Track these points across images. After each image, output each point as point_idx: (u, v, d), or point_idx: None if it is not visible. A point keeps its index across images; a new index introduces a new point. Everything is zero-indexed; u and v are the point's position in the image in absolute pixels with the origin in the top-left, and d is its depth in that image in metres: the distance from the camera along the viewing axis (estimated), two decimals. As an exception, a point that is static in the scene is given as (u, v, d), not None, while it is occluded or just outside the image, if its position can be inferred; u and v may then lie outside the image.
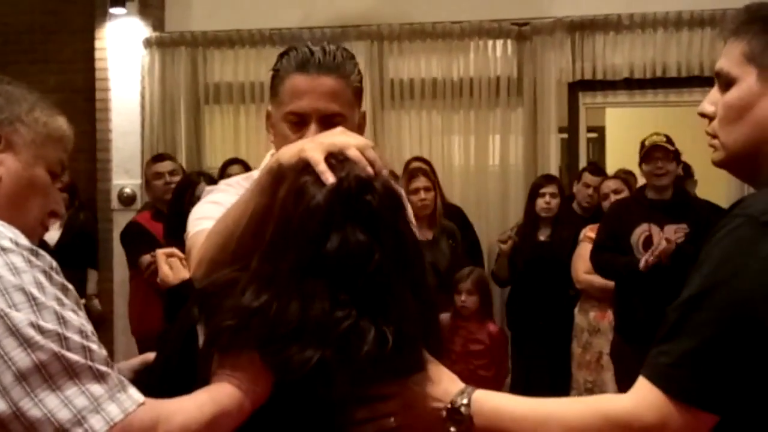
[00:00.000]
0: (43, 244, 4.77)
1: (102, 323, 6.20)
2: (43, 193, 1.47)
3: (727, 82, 1.45)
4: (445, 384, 1.42)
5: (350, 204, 1.32)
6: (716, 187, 5.50)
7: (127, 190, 6.47)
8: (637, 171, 5.62)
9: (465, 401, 1.39)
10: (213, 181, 4.53)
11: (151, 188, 5.39)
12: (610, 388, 4.80)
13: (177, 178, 5.13)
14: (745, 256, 1.27)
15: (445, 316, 4.72)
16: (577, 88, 6.22)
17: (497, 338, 4.81)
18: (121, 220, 5.99)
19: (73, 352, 1.20)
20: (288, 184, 1.40)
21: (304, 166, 1.39)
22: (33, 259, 1.25)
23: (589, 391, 4.97)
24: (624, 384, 4.44)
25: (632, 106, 6.78)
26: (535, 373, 5.15)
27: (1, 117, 1.43)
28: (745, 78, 1.42)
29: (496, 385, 4.76)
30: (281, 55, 1.91)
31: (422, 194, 5.08)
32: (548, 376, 5.16)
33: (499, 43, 6.21)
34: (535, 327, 5.17)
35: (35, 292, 1.21)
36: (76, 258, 5.85)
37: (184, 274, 1.63)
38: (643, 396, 1.30)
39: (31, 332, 1.18)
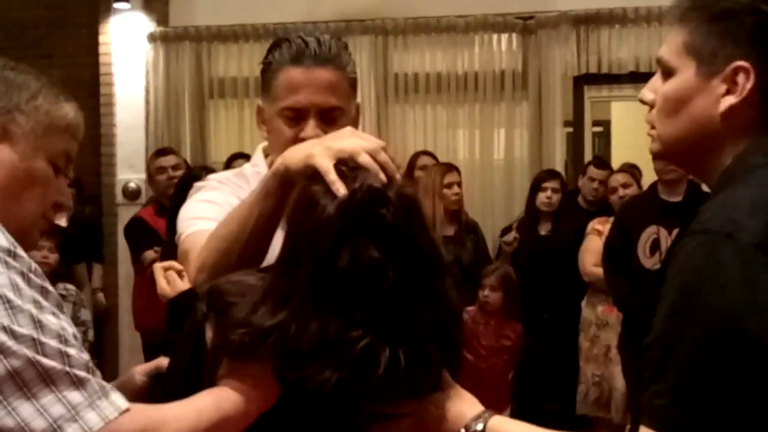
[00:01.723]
0: (56, 227, 4.73)
1: (106, 316, 6.21)
2: (42, 186, 1.38)
3: (666, 72, 1.38)
4: (461, 406, 1.35)
5: (363, 219, 1.25)
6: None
7: (132, 185, 6.47)
8: (642, 164, 5.61)
9: (480, 427, 1.32)
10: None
11: (155, 183, 5.38)
12: (619, 381, 4.79)
13: (180, 173, 5.12)
14: (718, 274, 1.18)
15: (470, 309, 4.74)
16: (582, 81, 6.21)
17: (521, 338, 4.79)
18: (125, 215, 5.99)
19: (49, 358, 1.14)
20: (297, 193, 1.35)
21: (313, 174, 1.33)
22: (9, 260, 1.19)
23: (597, 385, 4.96)
24: (631, 378, 4.44)
25: (637, 99, 6.75)
26: (540, 367, 5.15)
27: None
28: (683, 70, 1.35)
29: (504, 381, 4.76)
30: (272, 48, 1.81)
31: (456, 188, 5.08)
32: (555, 369, 5.16)
33: (504, 37, 6.20)
34: (537, 321, 5.17)
35: (10, 295, 1.15)
36: (81, 252, 5.85)
37: (182, 286, 1.59)
38: None
39: (3, 338, 1.12)
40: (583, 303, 5.07)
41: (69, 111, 1.42)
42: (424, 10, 6.25)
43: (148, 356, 5.19)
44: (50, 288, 1.22)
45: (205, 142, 6.62)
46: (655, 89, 1.41)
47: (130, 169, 6.50)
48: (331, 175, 1.30)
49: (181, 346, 1.41)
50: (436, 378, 1.36)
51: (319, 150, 1.36)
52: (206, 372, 1.32)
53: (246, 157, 5.68)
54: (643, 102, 1.44)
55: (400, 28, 6.27)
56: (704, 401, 1.17)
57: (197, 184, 1.96)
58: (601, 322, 4.96)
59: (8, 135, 1.35)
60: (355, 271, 1.24)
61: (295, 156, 1.42)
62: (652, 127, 1.42)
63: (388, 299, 1.25)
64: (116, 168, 6.51)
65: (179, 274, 1.60)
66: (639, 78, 6.07)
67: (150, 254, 5.00)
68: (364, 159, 1.33)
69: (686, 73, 1.34)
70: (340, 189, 1.28)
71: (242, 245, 1.46)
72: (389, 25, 6.27)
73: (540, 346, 5.11)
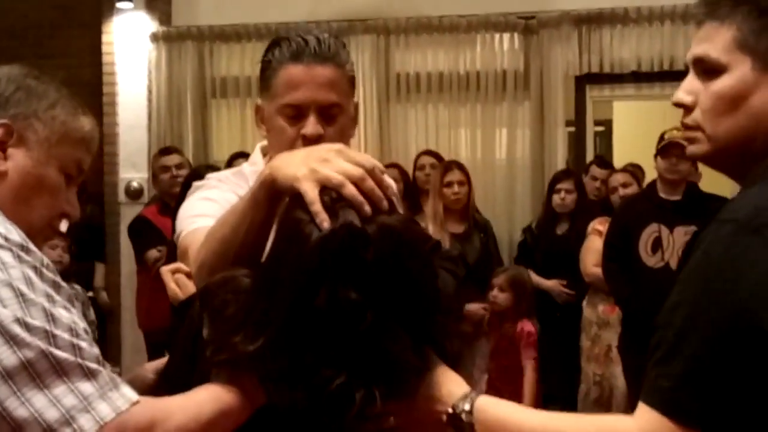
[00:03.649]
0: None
1: (110, 315, 6.23)
2: (52, 194, 1.42)
3: (713, 70, 1.35)
4: (448, 386, 1.34)
5: (342, 260, 1.24)
6: (720, 181, 5.47)
7: (135, 184, 6.48)
8: (644, 164, 5.61)
9: (467, 407, 1.31)
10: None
11: (158, 182, 5.40)
12: (619, 381, 4.79)
13: (184, 172, 5.13)
14: (741, 266, 1.19)
15: (475, 307, 4.82)
16: (584, 81, 6.21)
17: (527, 335, 4.82)
18: (128, 214, 6.01)
19: (61, 350, 1.16)
20: (282, 213, 1.36)
21: (298, 198, 1.32)
22: (23, 255, 1.22)
23: (598, 385, 4.96)
24: (632, 378, 4.44)
25: (639, 99, 6.77)
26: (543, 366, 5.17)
27: (17, 111, 1.39)
28: (738, 66, 1.33)
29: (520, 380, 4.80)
30: (272, 46, 1.82)
31: (456, 188, 5.10)
32: (556, 369, 5.17)
33: (506, 36, 6.20)
34: (553, 320, 5.18)
35: (23, 288, 1.18)
36: (84, 251, 5.87)
37: (192, 288, 1.60)
38: (647, 421, 1.22)
39: (17, 329, 1.14)
40: (584, 303, 5.07)
41: (85, 124, 1.48)
42: (426, 10, 6.25)
43: (151, 355, 5.21)
44: (62, 283, 1.25)
45: (208, 142, 6.62)
46: (692, 90, 1.39)
47: (132, 168, 6.51)
48: (316, 206, 1.29)
49: (178, 345, 1.43)
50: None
51: (305, 174, 1.34)
52: (202, 368, 1.34)
53: (248, 157, 5.67)
54: (679, 105, 1.41)
55: (402, 27, 6.27)
56: (709, 388, 1.18)
57: (196, 183, 1.97)
58: (602, 322, 4.97)
59: (24, 141, 1.39)
60: (333, 311, 1.24)
61: (281, 171, 1.39)
62: (693, 129, 1.40)
63: (367, 339, 1.25)
64: (119, 167, 6.51)
65: (188, 276, 1.60)
66: (641, 78, 6.09)
67: (153, 253, 5.01)
68: (348, 192, 1.30)
69: (741, 70, 1.33)
70: (324, 223, 1.27)
71: (237, 249, 1.47)
72: (391, 24, 6.27)
73: (554, 346, 5.13)
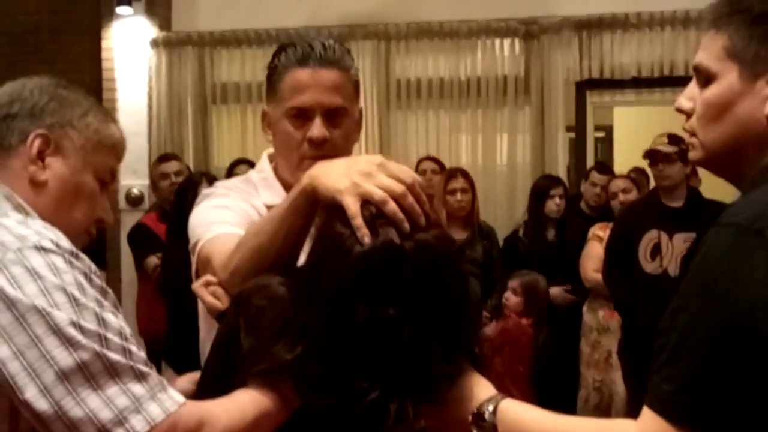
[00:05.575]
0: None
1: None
2: (89, 200, 1.47)
3: (706, 78, 1.37)
4: (476, 390, 1.39)
5: (381, 278, 1.28)
6: (721, 186, 5.45)
7: (135, 191, 6.47)
8: (647, 169, 5.61)
9: (491, 408, 1.35)
10: (215, 182, 4.50)
11: (157, 189, 5.39)
12: (619, 387, 4.80)
13: (183, 179, 5.12)
14: (741, 268, 1.19)
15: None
16: (584, 86, 6.22)
17: (525, 332, 4.82)
18: (128, 221, 5.99)
19: (114, 352, 1.22)
20: (320, 224, 1.40)
21: (338, 210, 1.35)
22: (74, 261, 1.27)
23: (598, 390, 4.96)
24: (632, 384, 4.43)
25: (640, 105, 6.77)
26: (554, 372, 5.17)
27: (53, 120, 1.43)
28: (726, 74, 1.34)
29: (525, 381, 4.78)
30: (278, 52, 1.87)
31: (459, 195, 5.09)
32: (555, 374, 5.16)
33: (507, 42, 6.21)
34: (553, 326, 5.18)
35: (76, 293, 1.23)
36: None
37: (228, 299, 1.63)
38: (649, 425, 1.23)
39: (72, 331, 1.19)
40: (584, 308, 5.07)
41: (116, 131, 1.53)
42: (426, 15, 6.26)
43: (150, 362, 5.19)
44: (108, 289, 1.30)
45: (208, 148, 6.62)
46: (692, 97, 1.41)
47: (132, 174, 6.50)
48: (358, 221, 1.32)
49: (213, 353, 1.47)
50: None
51: (347, 187, 1.37)
52: (241, 372, 1.37)
53: (248, 163, 5.69)
54: (680, 110, 1.43)
55: (403, 32, 6.28)
56: (711, 392, 1.18)
57: (204, 191, 1.99)
58: (602, 328, 4.96)
59: (61, 149, 1.44)
60: (370, 327, 1.27)
61: (321, 181, 1.43)
62: (692, 135, 1.42)
63: (402, 352, 1.28)
64: (119, 174, 6.49)
65: (221, 287, 1.62)
66: (641, 83, 6.09)
67: (153, 260, 5.00)
68: (390, 209, 1.33)
69: (729, 78, 1.34)
70: (365, 238, 1.30)
71: (273, 257, 1.51)
72: (392, 29, 6.28)
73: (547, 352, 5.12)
